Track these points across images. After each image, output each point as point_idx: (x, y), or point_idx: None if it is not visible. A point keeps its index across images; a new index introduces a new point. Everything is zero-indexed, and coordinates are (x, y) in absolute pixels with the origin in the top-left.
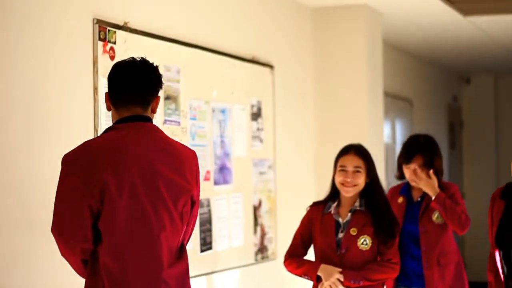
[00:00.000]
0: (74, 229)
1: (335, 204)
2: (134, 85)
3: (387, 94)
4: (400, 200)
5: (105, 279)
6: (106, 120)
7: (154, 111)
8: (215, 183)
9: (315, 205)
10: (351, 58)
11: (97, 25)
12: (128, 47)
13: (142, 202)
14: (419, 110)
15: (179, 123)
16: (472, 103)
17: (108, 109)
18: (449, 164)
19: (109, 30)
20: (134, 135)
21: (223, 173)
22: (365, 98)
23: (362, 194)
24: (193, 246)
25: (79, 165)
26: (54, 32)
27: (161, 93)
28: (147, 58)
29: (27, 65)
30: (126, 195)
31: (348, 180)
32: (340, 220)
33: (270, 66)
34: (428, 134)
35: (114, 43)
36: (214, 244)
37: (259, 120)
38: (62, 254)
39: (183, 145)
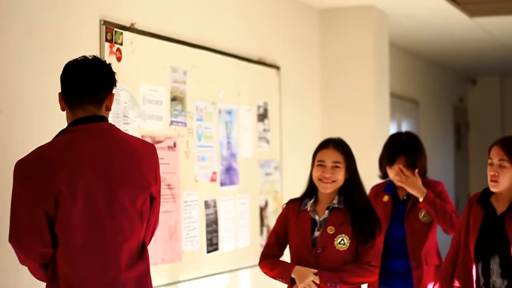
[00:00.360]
0: (32, 234)
1: (312, 201)
2: (86, 83)
3: (393, 95)
4: (386, 198)
5: (63, 286)
6: (112, 119)
7: (108, 109)
8: (222, 184)
9: (291, 202)
10: (357, 59)
11: (104, 26)
12: (135, 48)
13: (98, 206)
14: (425, 111)
15: (185, 124)
16: (478, 104)
17: (63, 109)
18: (455, 165)
19: (116, 31)
20: (89, 138)
21: (229, 174)
22: (372, 99)
23: (341, 191)
24: (199, 247)
25: (32, 173)
26: (61, 33)
27: (167, 94)
28: (154, 60)
29: (34, 65)
30: (81, 200)
31: (327, 175)
32: (317, 218)
33: (276, 68)
34: (410, 132)
35: (121, 44)
36: (220, 245)
37: (266, 121)
38: (21, 262)
39: (141, 140)
